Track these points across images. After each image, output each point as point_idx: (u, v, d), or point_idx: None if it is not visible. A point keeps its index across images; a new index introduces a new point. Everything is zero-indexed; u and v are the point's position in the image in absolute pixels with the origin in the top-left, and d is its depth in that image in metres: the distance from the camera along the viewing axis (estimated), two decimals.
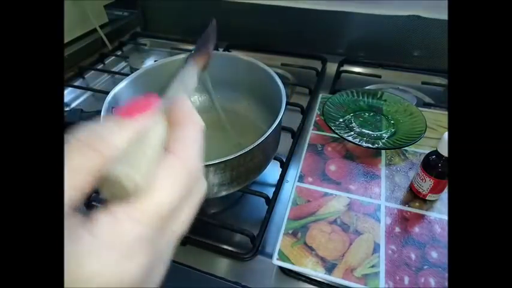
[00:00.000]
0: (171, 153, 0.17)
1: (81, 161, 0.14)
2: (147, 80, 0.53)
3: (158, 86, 0.59)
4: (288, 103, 0.52)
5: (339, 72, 0.74)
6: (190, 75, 0.29)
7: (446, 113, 0.59)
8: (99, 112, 0.44)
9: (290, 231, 0.41)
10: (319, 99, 0.62)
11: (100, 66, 0.82)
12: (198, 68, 0.31)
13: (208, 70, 0.57)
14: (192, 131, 0.18)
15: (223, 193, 0.42)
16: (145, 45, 0.90)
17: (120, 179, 0.14)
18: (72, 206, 0.14)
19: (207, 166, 0.37)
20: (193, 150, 0.18)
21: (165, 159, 0.16)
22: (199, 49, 0.34)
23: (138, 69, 0.53)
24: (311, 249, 0.39)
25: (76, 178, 0.14)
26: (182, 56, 0.56)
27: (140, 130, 0.16)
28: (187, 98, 0.20)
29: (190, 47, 0.85)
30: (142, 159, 0.15)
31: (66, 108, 0.69)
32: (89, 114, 0.45)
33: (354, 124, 0.55)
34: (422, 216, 0.43)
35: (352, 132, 0.53)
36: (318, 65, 0.76)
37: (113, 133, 0.15)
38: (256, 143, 0.38)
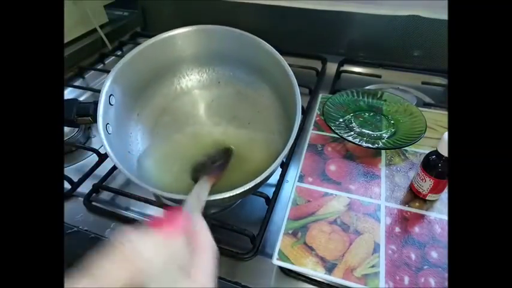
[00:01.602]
0: (191, 279, 0.20)
1: (116, 269, 0.18)
2: (141, 60, 0.49)
3: (154, 66, 0.54)
4: None
5: (339, 72, 0.74)
6: (204, 189, 0.34)
7: (446, 113, 0.58)
8: (96, 103, 0.42)
9: (290, 231, 0.41)
10: (319, 99, 0.62)
11: (100, 66, 0.82)
12: (210, 184, 0.36)
13: (229, 47, 0.52)
14: (209, 258, 0.23)
15: (226, 205, 0.42)
16: None
17: None
18: None
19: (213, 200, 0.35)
20: (209, 275, 0.22)
21: (185, 282, 0.20)
22: (216, 171, 0.41)
23: None
24: (311, 249, 0.39)
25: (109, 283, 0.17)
26: (174, 32, 0.50)
27: (167, 246, 0.20)
28: (201, 216, 0.25)
29: None
30: (168, 279, 0.19)
31: None
32: (85, 106, 0.43)
33: (354, 124, 0.55)
34: (422, 216, 0.43)
35: (352, 132, 0.53)
36: (318, 65, 0.76)
37: (145, 247, 0.19)
38: (265, 174, 0.36)
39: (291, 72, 0.45)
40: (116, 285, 0.18)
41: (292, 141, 0.38)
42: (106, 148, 0.39)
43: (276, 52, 0.48)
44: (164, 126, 0.53)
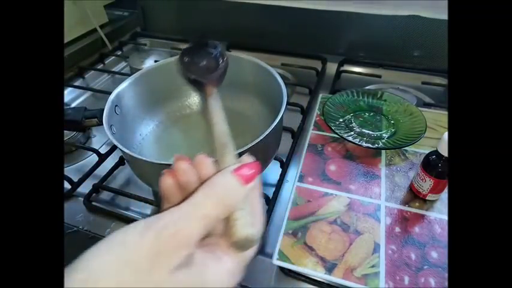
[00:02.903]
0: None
1: (213, 212, 0.20)
2: (149, 79, 0.53)
3: (160, 85, 0.59)
4: (288, 103, 0.52)
5: (339, 72, 0.74)
6: (218, 100, 0.33)
7: (446, 113, 0.59)
8: (102, 110, 0.44)
9: (290, 231, 0.41)
10: (319, 99, 0.62)
11: (100, 66, 0.82)
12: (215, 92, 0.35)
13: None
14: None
15: None
16: (145, 45, 0.90)
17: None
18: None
19: None
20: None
21: None
22: (216, 78, 0.38)
23: (138, 69, 0.53)
24: (311, 249, 0.39)
25: (206, 224, 0.19)
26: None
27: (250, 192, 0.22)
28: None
29: None
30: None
31: (67, 108, 0.69)
32: (92, 112, 0.46)
33: (354, 124, 0.55)
34: (422, 216, 0.43)
35: (352, 132, 0.53)
36: (318, 65, 0.76)
37: (237, 194, 0.21)
38: (254, 142, 0.37)
39: (268, 67, 0.50)
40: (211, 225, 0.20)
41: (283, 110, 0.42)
42: (109, 136, 0.40)
43: (250, 57, 0.53)
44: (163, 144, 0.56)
